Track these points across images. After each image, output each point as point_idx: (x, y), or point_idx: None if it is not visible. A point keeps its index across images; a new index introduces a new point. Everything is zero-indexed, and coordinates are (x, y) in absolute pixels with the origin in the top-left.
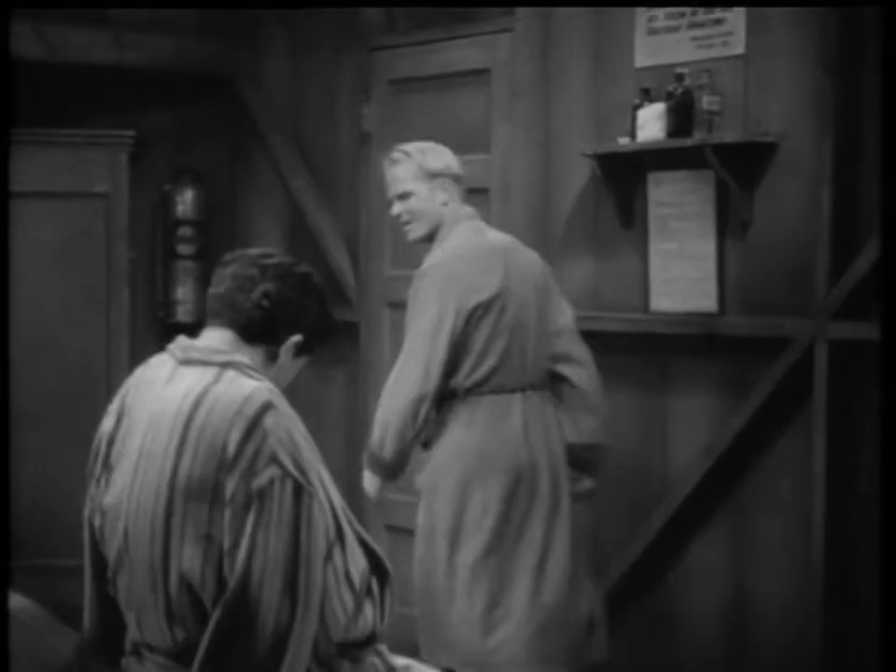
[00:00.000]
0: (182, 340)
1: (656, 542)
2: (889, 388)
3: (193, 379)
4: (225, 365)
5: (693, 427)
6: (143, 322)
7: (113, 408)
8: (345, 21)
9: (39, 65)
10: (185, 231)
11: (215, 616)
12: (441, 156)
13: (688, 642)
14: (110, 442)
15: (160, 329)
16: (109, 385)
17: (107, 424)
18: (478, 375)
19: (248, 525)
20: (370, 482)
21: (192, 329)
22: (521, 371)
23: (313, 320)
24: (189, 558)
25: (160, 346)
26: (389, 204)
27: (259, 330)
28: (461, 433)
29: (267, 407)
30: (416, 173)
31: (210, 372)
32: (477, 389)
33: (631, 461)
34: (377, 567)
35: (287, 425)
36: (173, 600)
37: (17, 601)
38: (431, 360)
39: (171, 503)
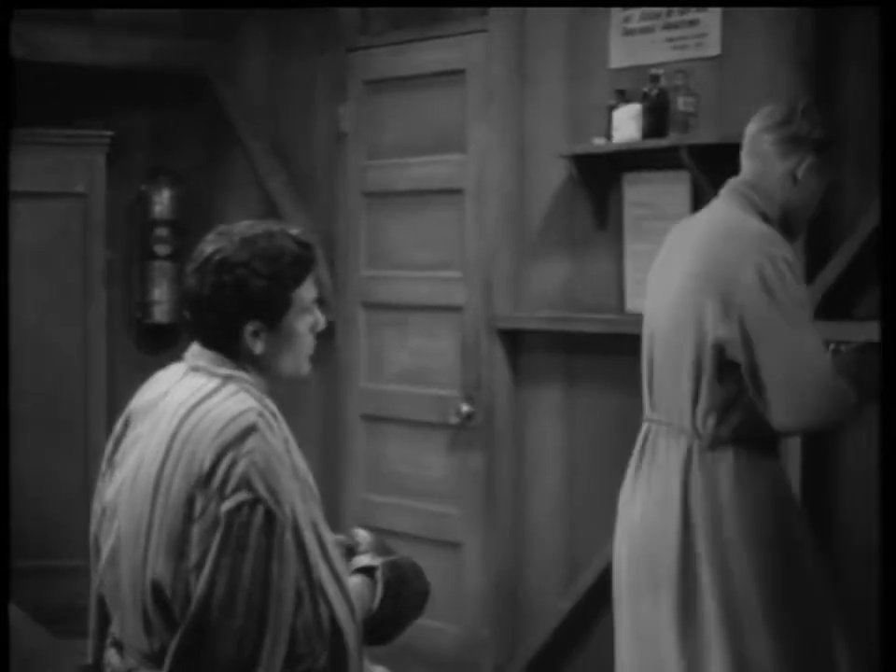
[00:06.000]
0: (195, 347)
1: None
2: (889, 389)
3: (193, 388)
4: (227, 378)
5: None
6: (120, 322)
7: (126, 410)
8: (322, 22)
9: (17, 65)
10: (161, 231)
11: (175, 638)
12: None
13: None
14: (117, 442)
15: (137, 330)
16: (86, 385)
17: (118, 424)
18: None
19: (213, 546)
20: None
21: (169, 330)
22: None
23: (257, 297)
24: (161, 569)
25: (137, 347)
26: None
27: (215, 340)
28: None
29: (249, 431)
30: None
31: (212, 383)
32: None
33: (606, 461)
34: (336, 640)
35: (267, 451)
36: (148, 608)
37: (14, 613)
38: None
39: (152, 512)
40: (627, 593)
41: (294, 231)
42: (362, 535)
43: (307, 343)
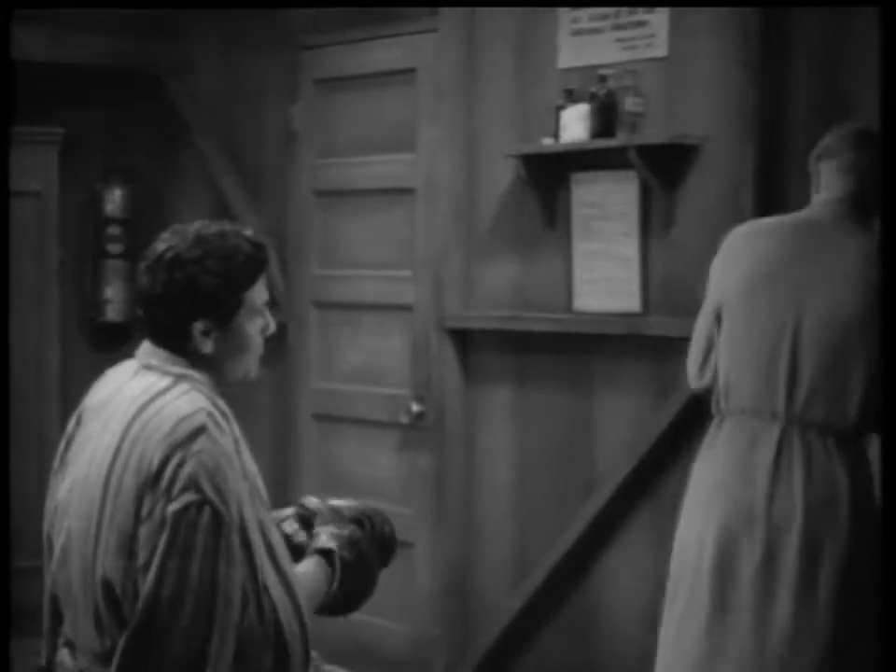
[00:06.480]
0: (147, 345)
1: (581, 541)
2: (889, 389)
3: (144, 387)
4: (179, 377)
5: (617, 426)
6: (73, 321)
7: (78, 409)
8: (274, 21)
9: None
10: (114, 229)
11: (122, 638)
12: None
13: (612, 642)
14: (69, 440)
15: (89, 328)
16: (41, 383)
17: (70, 423)
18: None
19: (160, 547)
20: None
21: (122, 328)
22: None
23: (207, 293)
24: (111, 568)
25: (90, 345)
26: None
27: (166, 337)
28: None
29: (199, 431)
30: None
31: (163, 382)
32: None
33: (555, 460)
34: (280, 644)
35: (215, 452)
36: (100, 607)
37: None
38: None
39: (102, 511)
40: (749, 592)
41: (248, 232)
42: (314, 503)
43: (256, 346)
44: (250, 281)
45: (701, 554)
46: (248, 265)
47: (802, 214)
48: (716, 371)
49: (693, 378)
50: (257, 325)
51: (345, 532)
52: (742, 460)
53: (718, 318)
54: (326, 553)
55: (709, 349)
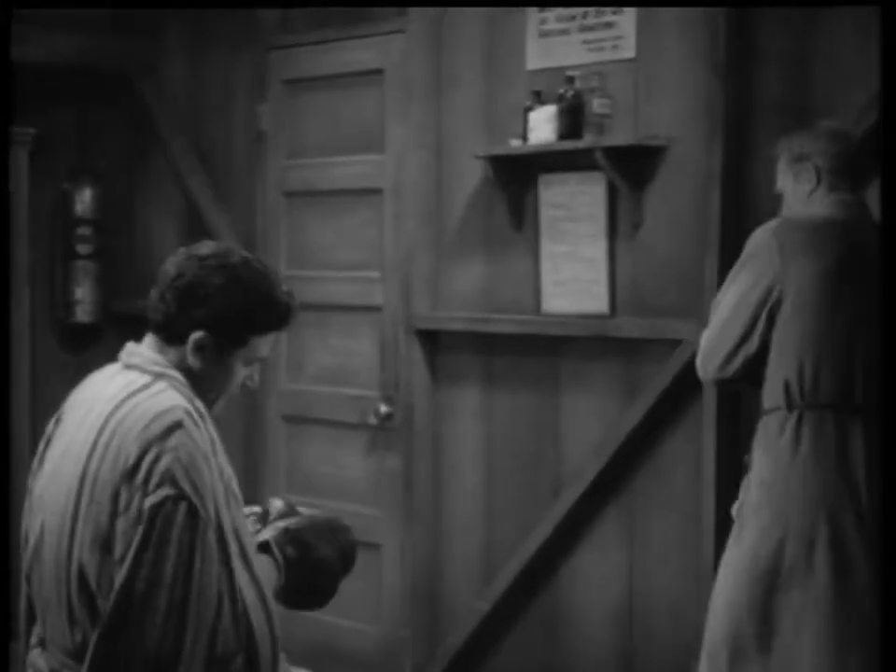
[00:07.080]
0: (130, 345)
1: (549, 541)
2: (889, 391)
3: (124, 384)
4: (159, 375)
5: (585, 427)
6: (42, 322)
7: (59, 409)
8: (243, 21)
9: None
10: (83, 230)
11: (95, 631)
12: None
13: (580, 641)
14: (48, 441)
15: (59, 330)
16: (10, 384)
17: (50, 424)
18: None
19: (135, 540)
20: None
21: (91, 329)
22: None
23: (223, 312)
24: (87, 563)
25: (59, 346)
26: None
27: (165, 326)
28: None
29: (175, 427)
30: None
31: (143, 379)
32: None
33: (524, 461)
34: (250, 647)
35: (192, 448)
36: (73, 601)
37: None
38: None
39: (78, 504)
40: (864, 583)
41: (287, 289)
42: (274, 504)
43: (233, 390)
44: (264, 329)
45: (810, 551)
46: (272, 315)
47: (828, 211)
48: (766, 365)
49: (716, 367)
50: (244, 372)
51: (284, 524)
52: (837, 454)
53: (770, 313)
54: (266, 547)
55: (746, 340)
